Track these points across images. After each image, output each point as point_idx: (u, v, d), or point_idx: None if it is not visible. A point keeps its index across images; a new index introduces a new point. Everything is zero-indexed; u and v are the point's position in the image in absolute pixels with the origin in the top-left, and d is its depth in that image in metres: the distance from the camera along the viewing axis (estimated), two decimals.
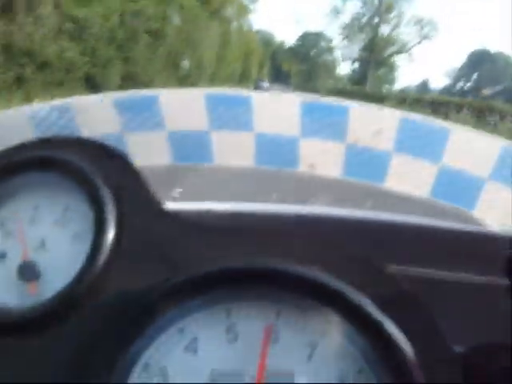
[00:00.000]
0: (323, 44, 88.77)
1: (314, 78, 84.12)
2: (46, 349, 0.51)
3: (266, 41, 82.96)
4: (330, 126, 0.65)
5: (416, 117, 0.64)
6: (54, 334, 0.51)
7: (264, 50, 68.42)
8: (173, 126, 0.68)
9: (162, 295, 0.48)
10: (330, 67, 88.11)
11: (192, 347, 0.48)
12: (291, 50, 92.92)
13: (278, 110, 0.67)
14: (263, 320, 0.48)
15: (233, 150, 0.69)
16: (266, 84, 54.55)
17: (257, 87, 50.15)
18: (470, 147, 0.64)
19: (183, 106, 0.67)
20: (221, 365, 0.47)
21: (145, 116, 0.67)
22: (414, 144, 0.64)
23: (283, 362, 0.47)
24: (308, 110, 0.65)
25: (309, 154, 0.67)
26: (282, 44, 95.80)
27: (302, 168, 0.69)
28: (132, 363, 0.47)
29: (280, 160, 0.69)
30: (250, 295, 0.48)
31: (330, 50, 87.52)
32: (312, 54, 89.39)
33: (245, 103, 0.66)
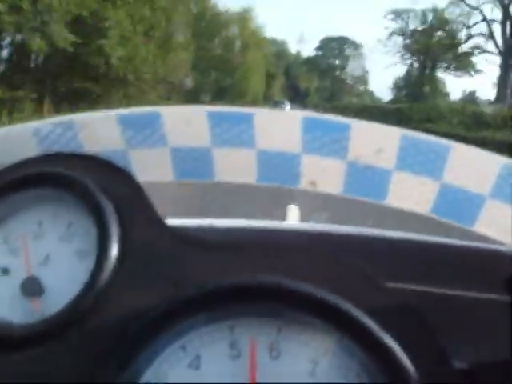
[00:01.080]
0: (349, 51, 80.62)
1: (338, 95, 77.27)
2: (48, 365, 0.51)
3: (279, 52, 72.99)
4: (331, 143, 0.66)
5: (416, 134, 0.65)
6: (56, 351, 0.51)
7: (276, 63, 61.81)
8: (175, 143, 0.68)
9: (164, 312, 0.48)
10: (360, 80, 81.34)
11: (195, 364, 0.48)
12: (309, 61, 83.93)
13: (279, 126, 0.67)
14: (265, 336, 0.48)
15: (235, 167, 0.70)
16: (286, 106, 50.22)
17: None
18: (470, 164, 0.64)
19: (185, 122, 0.67)
20: (224, 381, 0.47)
21: (147, 133, 0.68)
22: (414, 161, 0.65)
23: (285, 377, 0.47)
24: (309, 127, 0.66)
25: (310, 171, 0.68)
26: (298, 55, 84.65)
27: (304, 185, 0.69)
28: (135, 380, 0.47)
29: (281, 177, 0.69)
30: (252, 312, 0.48)
31: (358, 57, 79.23)
32: (335, 63, 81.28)
33: (247, 120, 0.66)
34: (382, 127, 0.66)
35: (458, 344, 0.52)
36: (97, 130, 0.69)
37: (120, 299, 0.53)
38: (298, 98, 70.23)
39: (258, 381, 0.47)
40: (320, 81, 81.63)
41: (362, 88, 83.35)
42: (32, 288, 0.56)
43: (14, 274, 0.58)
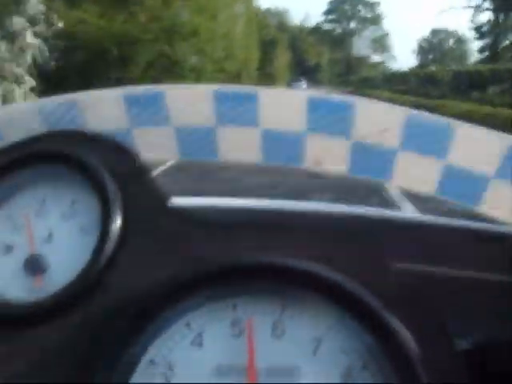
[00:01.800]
0: (364, 13, 72.59)
1: (355, 67, 69.83)
2: (52, 342, 0.51)
3: (280, 23, 63.10)
4: (336, 122, 0.65)
5: (422, 114, 0.64)
6: (59, 327, 0.52)
7: (279, 36, 52.54)
8: (179, 122, 0.68)
9: (167, 290, 0.49)
10: (380, 46, 73.87)
11: (198, 341, 0.48)
12: (317, 29, 75.17)
13: (284, 105, 0.66)
14: (269, 314, 0.48)
15: (239, 146, 0.69)
16: (303, 84, 47.40)
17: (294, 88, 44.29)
18: (476, 144, 0.64)
19: (190, 101, 0.67)
20: (226, 359, 0.47)
21: (152, 111, 0.67)
22: (419, 141, 0.64)
23: (288, 356, 0.47)
24: (314, 106, 0.65)
25: (315, 151, 0.68)
26: (303, 27, 74.53)
27: (308, 164, 0.69)
28: (138, 357, 0.47)
29: (286, 156, 0.69)
30: (256, 290, 0.48)
31: (375, 20, 71.71)
32: (349, 29, 72.45)
33: (251, 99, 0.66)
34: (387, 106, 0.65)
35: (464, 324, 0.52)
36: (101, 108, 0.68)
37: (123, 276, 0.53)
38: (308, 74, 64.00)
39: (260, 359, 0.47)
40: (332, 52, 74.02)
41: (380, 56, 76.69)
42: (35, 265, 0.57)
43: (17, 251, 0.58)
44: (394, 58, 79.48)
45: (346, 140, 0.66)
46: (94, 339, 0.49)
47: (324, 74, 71.60)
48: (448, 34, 70.53)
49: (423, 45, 70.79)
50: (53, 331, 0.52)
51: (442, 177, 0.66)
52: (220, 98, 0.66)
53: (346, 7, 75.91)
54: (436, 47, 68.54)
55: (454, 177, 0.66)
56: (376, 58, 79.47)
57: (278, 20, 63.46)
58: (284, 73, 52.66)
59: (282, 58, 51.01)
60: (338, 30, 77.98)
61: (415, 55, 71.49)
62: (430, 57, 68.26)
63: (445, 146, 0.64)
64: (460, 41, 69.60)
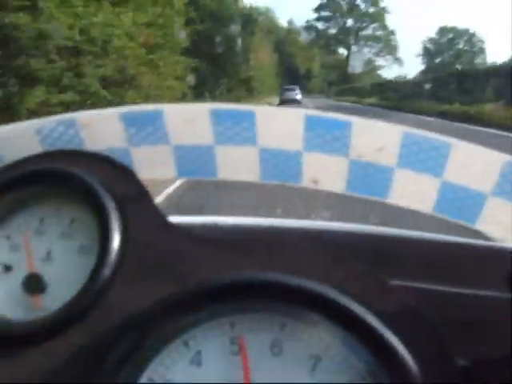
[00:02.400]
0: (365, 6, 64.41)
1: (351, 76, 63.99)
2: (49, 362, 0.51)
3: (269, 24, 52.08)
4: (333, 140, 0.66)
5: (418, 131, 0.65)
6: (58, 348, 0.51)
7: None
8: (178, 140, 0.68)
9: (166, 308, 0.48)
10: (385, 46, 65.60)
11: (196, 360, 0.48)
12: (309, 30, 66.56)
13: (281, 124, 0.67)
14: (267, 332, 0.48)
15: (237, 165, 0.70)
16: (297, 93, 40.05)
17: (285, 100, 36.96)
18: (472, 162, 0.64)
19: (188, 120, 0.67)
20: (225, 377, 0.47)
21: (150, 130, 0.68)
22: (416, 159, 0.65)
23: (286, 374, 0.47)
24: (311, 124, 0.66)
25: (312, 169, 0.68)
26: (291, 26, 63.57)
27: (306, 183, 0.69)
28: (136, 376, 0.47)
29: (283, 175, 0.69)
30: (255, 308, 0.48)
31: (377, 16, 63.31)
32: (345, 28, 64.00)
33: (248, 118, 0.66)
34: (384, 124, 0.66)
35: (460, 341, 0.52)
36: (99, 127, 0.69)
37: (121, 296, 0.53)
38: (298, 82, 54.52)
39: (258, 377, 0.47)
40: (326, 56, 66.67)
41: (384, 59, 69.61)
42: (34, 285, 0.57)
43: (15, 270, 0.58)
44: (399, 61, 72.20)
45: (343, 158, 0.66)
46: (92, 359, 0.49)
47: (315, 81, 65.23)
48: (458, 32, 63.29)
49: (429, 46, 65.37)
50: (51, 351, 0.51)
51: (439, 194, 0.66)
52: (217, 117, 0.66)
53: (342, 1, 67.34)
54: (445, 48, 62.23)
55: (451, 194, 0.66)
56: (380, 61, 73.34)
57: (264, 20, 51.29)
58: (269, 81, 44.34)
59: (265, 61, 41.69)
60: (332, 30, 70.87)
61: (420, 59, 66.30)
62: (438, 60, 62.68)
63: (442, 164, 0.64)
64: (472, 41, 63.01)
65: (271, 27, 54.96)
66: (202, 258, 0.54)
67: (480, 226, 0.66)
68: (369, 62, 72.80)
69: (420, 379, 0.45)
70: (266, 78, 41.46)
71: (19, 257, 0.58)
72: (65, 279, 0.56)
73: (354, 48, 72.15)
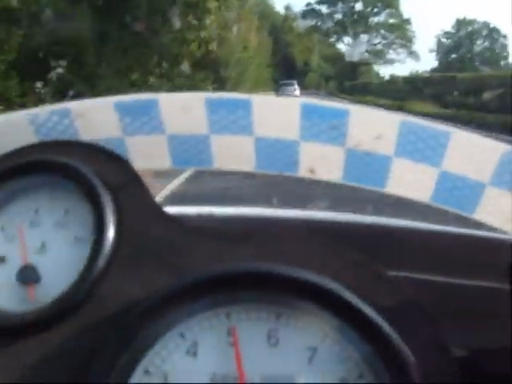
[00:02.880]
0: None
1: (357, 70, 55.94)
2: (44, 353, 0.51)
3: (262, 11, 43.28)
4: (329, 129, 0.65)
5: (416, 120, 0.64)
6: (53, 338, 0.51)
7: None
8: (173, 130, 0.68)
9: (162, 299, 0.48)
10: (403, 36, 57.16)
11: (192, 351, 0.48)
12: (308, 15, 57.89)
13: (278, 113, 0.66)
14: (263, 323, 0.48)
15: (233, 154, 0.69)
16: (295, 88, 37.91)
17: (282, 93, 32.21)
18: (470, 151, 0.64)
19: (183, 109, 0.67)
20: (221, 368, 0.47)
21: (145, 119, 0.67)
22: (414, 148, 0.64)
23: (283, 365, 0.47)
24: (308, 113, 0.65)
25: (309, 158, 0.67)
26: (289, 12, 54.91)
27: (302, 172, 0.69)
28: (132, 367, 0.47)
29: (280, 164, 0.69)
30: (251, 298, 0.48)
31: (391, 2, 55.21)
32: (352, 11, 55.43)
33: (244, 107, 0.66)
34: (381, 113, 0.65)
35: (458, 332, 0.52)
36: (93, 117, 0.68)
37: (116, 286, 0.53)
38: (294, 76, 48.69)
39: (255, 367, 0.47)
40: (326, 46, 59.05)
41: (395, 53, 61.53)
42: (28, 276, 0.56)
43: (10, 261, 0.58)
44: (416, 55, 63.52)
45: (340, 147, 0.66)
46: (87, 349, 0.49)
47: (313, 76, 57.91)
48: (477, 26, 55.72)
49: (444, 40, 58.67)
50: (46, 342, 0.51)
51: (437, 184, 0.66)
52: (212, 106, 0.66)
53: None
54: (462, 44, 55.07)
55: (449, 184, 0.65)
56: (393, 56, 64.78)
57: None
58: (258, 71, 33.11)
59: (250, 45, 30.31)
60: (337, 16, 62.14)
61: (435, 54, 59.79)
62: (453, 56, 56.10)
63: (440, 153, 0.64)
64: (492, 36, 55.45)
65: (265, 12, 46.48)
66: (197, 249, 0.54)
67: (478, 215, 0.66)
68: (377, 53, 65.70)
69: (416, 369, 0.45)
70: (254, 67, 31.21)
71: (14, 248, 0.58)
72: (59, 270, 0.56)
73: (363, 37, 65.41)
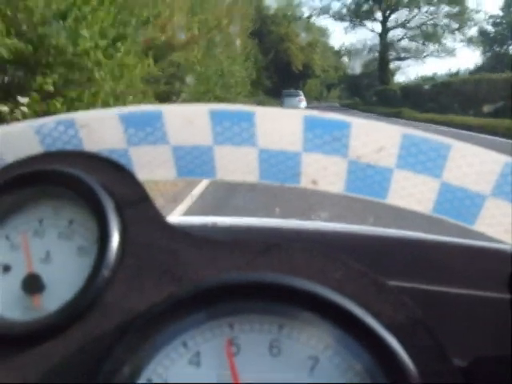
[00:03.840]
0: None
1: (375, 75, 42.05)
2: (48, 363, 0.51)
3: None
4: (332, 141, 0.66)
5: (417, 132, 0.65)
6: (57, 348, 0.52)
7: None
8: (177, 141, 0.68)
9: (165, 309, 0.49)
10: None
11: (195, 361, 0.48)
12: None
13: (281, 125, 0.67)
14: (266, 333, 0.48)
15: (236, 165, 0.70)
16: (301, 100, 33.51)
17: (286, 106, 27.77)
18: (471, 163, 0.64)
19: (187, 121, 0.67)
20: (223, 378, 0.47)
21: (149, 131, 0.68)
22: (415, 160, 0.65)
23: (284, 374, 0.47)
24: (310, 125, 0.66)
25: (311, 170, 0.68)
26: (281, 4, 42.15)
27: (305, 183, 0.69)
28: (135, 377, 0.47)
29: (282, 175, 0.69)
30: (253, 309, 0.48)
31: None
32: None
33: (248, 119, 0.66)
34: (383, 125, 0.66)
35: (458, 342, 0.52)
36: (98, 127, 0.69)
37: (120, 296, 0.53)
38: (293, 83, 41.50)
39: (257, 377, 0.47)
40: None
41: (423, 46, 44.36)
42: (33, 285, 0.57)
43: (15, 271, 0.58)
44: (474, 41, 45.19)
45: (342, 159, 0.66)
46: (90, 359, 0.49)
47: (314, 82, 47.93)
48: None
49: (488, 28, 41.13)
50: (50, 351, 0.51)
51: (438, 195, 0.66)
52: (216, 118, 0.66)
53: None
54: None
55: (450, 195, 0.66)
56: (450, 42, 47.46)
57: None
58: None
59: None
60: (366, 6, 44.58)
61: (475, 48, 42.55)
62: (498, 50, 40.05)
63: (441, 165, 0.64)
64: None
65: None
66: (201, 259, 0.54)
67: (479, 227, 0.66)
68: (428, 37, 46.88)
69: (418, 379, 0.45)
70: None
71: (18, 257, 0.58)
72: (64, 280, 0.56)
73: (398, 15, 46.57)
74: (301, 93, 36.00)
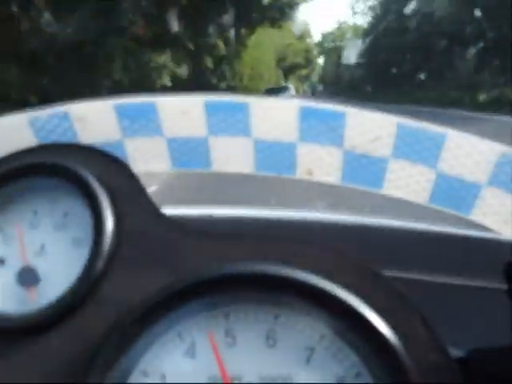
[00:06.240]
0: None
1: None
2: (43, 354, 0.51)
3: None
4: (327, 131, 0.65)
5: (413, 122, 0.65)
6: (52, 340, 0.52)
7: None
8: (171, 132, 0.68)
9: (160, 300, 0.48)
10: None
11: (190, 352, 0.48)
12: None
13: (276, 115, 0.67)
14: (262, 323, 0.48)
15: (231, 156, 0.69)
16: (291, 94, 31.87)
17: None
18: (467, 152, 0.64)
19: (182, 111, 0.67)
20: (219, 369, 0.47)
21: (143, 122, 0.68)
22: (411, 150, 0.65)
23: (281, 365, 0.47)
24: (306, 116, 0.65)
25: (307, 160, 0.68)
26: None
27: (300, 174, 0.69)
28: (130, 368, 0.47)
29: (278, 166, 0.69)
30: (248, 299, 0.48)
31: None
32: None
33: (243, 109, 0.66)
34: (379, 115, 0.66)
35: (455, 332, 0.52)
36: (93, 119, 0.68)
37: (115, 288, 0.53)
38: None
39: (253, 368, 0.47)
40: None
41: None
42: (28, 277, 0.57)
43: (9, 263, 0.58)
44: None
45: (337, 149, 0.66)
46: (86, 350, 0.49)
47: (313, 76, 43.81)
48: None
49: None
50: (45, 343, 0.52)
51: (434, 185, 0.66)
52: (211, 108, 0.66)
53: None
54: None
55: (446, 185, 0.66)
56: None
57: None
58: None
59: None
60: None
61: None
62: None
63: (436, 154, 0.64)
64: None
65: None
66: (196, 250, 0.54)
67: (475, 216, 0.66)
68: None
69: (414, 369, 0.45)
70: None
71: (13, 249, 0.58)
72: (59, 272, 0.56)
73: None
74: (290, 87, 33.83)
